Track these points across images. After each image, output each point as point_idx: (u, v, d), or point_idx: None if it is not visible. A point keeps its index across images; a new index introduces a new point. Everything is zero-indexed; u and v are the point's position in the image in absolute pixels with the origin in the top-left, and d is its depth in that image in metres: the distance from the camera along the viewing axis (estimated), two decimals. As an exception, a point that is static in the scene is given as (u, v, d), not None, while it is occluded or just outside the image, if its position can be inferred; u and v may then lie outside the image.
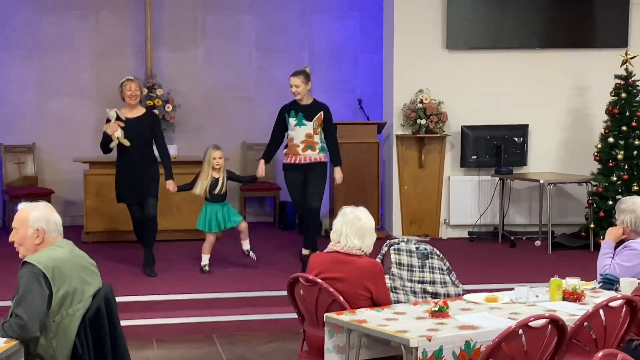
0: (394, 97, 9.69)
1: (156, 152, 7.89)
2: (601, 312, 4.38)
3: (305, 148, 7.92)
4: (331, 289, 4.66)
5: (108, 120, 7.72)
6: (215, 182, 7.82)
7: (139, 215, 7.79)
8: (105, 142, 7.72)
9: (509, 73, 9.77)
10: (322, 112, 7.95)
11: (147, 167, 7.72)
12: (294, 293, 4.94)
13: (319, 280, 4.71)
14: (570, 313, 4.51)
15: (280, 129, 8.08)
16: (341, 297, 4.64)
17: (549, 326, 4.10)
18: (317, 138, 7.93)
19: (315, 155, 7.94)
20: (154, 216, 7.75)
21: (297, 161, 7.94)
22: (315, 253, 4.96)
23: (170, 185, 7.80)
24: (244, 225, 7.96)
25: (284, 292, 5.08)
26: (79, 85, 10.48)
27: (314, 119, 7.91)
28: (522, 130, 9.65)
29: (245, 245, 8.01)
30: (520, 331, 4.00)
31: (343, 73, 11.01)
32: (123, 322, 4.35)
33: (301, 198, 7.94)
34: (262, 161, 8.07)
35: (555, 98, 9.82)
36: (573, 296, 4.78)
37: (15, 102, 10.35)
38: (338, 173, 8.06)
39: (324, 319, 4.50)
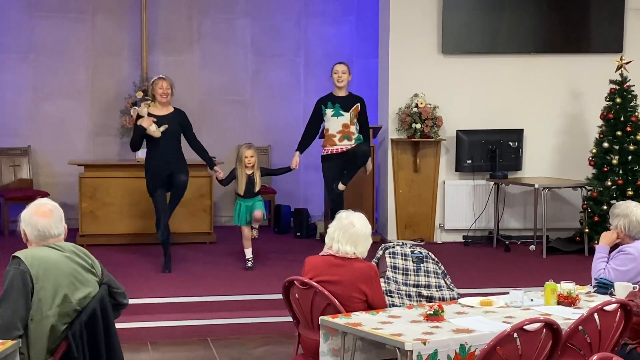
0: (389, 102, 9.70)
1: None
2: (596, 316, 4.38)
3: (342, 138, 8.13)
4: (326, 292, 4.66)
5: (138, 117, 7.91)
6: (249, 179, 8.05)
7: (163, 203, 7.95)
8: (138, 135, 7.91)
9: (504, 78, 9.79)
10: (358, 104, 8.19)
11: (177, 162, 7.94)
12: (289, 296, 4.94)
13: (314, 284, 4.71)
14: (565, 317, 4.52)
15: (316, 121, 8.29)
16: (336, 300, 4.64)
17: (544, 330, 4.11)
18: (353, 129, 8.15)
19: (352, 144, 8.15)
20: (184, 185, 7.97)
21: (336, 151, 8.15)
22: (310, 256, 4.95)
23: (218, 170, 8.10)
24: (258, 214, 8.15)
25: (279, 296, 5.08)
26: (74, 88, 10.48)
27: (351, 110, 8.14)
28: (517, 134, 9.66)
29: (250, 252, 8.24)
30: (515, 335, 4.00)
31: (338, 77, 11.01)
32: (118, 325, 4.33)
33: (336, 179, 8.10)
34: (297, 153, 8.31)
35: (550, 103, 9.84)
36: (568, 300, 4.79)
37: (10, 104, 10.34)
38: (369, 164, 8.39)
39: (319, 322, 4.50)
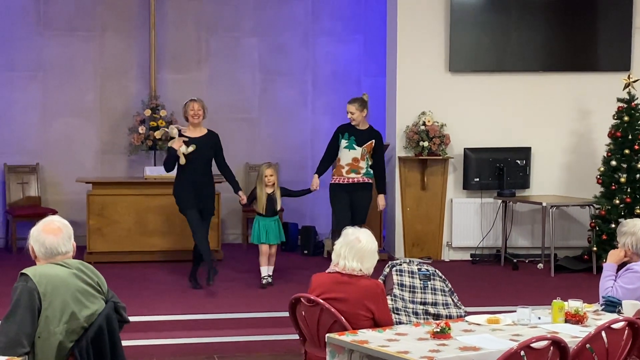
0: (396, 120, 9.72)
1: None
2: (603, 334, 4.36)
3: (350, 171, 8.17)
4: (333, 310, 4.65)
5: (171, 138, 7.99)
6: (269, 198, 8.12)
7: (198, 217, 8.00)
8: (170, 158, 7.97)
9: (511, 96, 9.79)
10: (373, 141, 8.20)
11: (207, 185, 8.03)
12: (296, 313, 4.94)
13: (321, 301, 4.70)
14: (573, 335, 4.49)
15: (334, 146, 8.31)
16: (343, 318, 4.63)
17: (551, 348, 4.09)
18: (362, 164, 8.17)
19: (360, 177, 8.18)
20: (207, 232, 8.10)
21: (343, 182, 8.18)
22: (317, 273, 4.95)
23: (242, 194, 8.18)
24: (272, 250, 8.26)
25: (286, 313, 5.08)
26: (82, 107, 10.53)
27: (364, 146, 8.15)
28: (524, 152, 9.66)
29: (265, 270, 8.26)
30: (522, 352, 3.98)
31: (346, 96, 10.97)
32: (124, 342, 4.33)
33: (345, 216, 8.11)
34: (316, 175, 8.34)
35: (558, 121, 9.83)
36: (575, 318, 4.77)
37: (19, 122, 10.39)
38: (382, 200, 8.39)
39: (326, 340, 4.49)
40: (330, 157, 8.36)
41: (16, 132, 10.37)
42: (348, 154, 8.17)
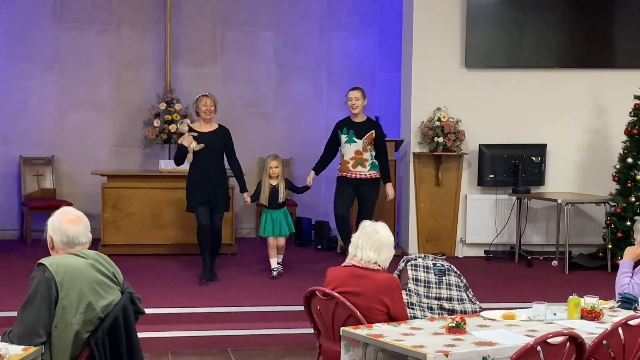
0: (411, 115, 9.70)
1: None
2: (620, 330, 4.35)
3: (355, 164, 8.15)
4: (348, 303, 4.65)
5: (181, 134, 8.05)
6: (273, 189, 8.14)
7: (207, 218, 8.00)
8: (179, 154, 8.01)
9: (527, 92, 9.76)
10: (373, 131, 8.18)
11: (218, 180, 8.03)
12: (311, 307, 4.94)
13: (336, 294, 4.70)
14: (589, 331, 4.48)
15: (333, 143, 8.34)
16: (358, 312, 4.63)
17: (568, 343, 4.08)
18: (366, 155, 8.15)
19: (366, 172, 8.16)
20: (219, 228, 8.08)
21: (349, 176, 8.17)
22: (332, 267, 4.95)
23: (247, 197, 8.19)
24: (280, 242, 8.29)
25: (300, 307, 5.08)
26: (98, 99, 10.56)
27: (364, 137, 8.13)
28: (540, 149, 9.62)
29: (275, 261, 8.29)
30: (539, 348, 3.97)
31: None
32: (139, 334, 4.34)
33: (344, 203, 8.13)
34: (312, 172, 8.35)
35: (573, 118, 9.80)
36: (591, 315, 4.75)
37: (35, 114, 10.42)
38: (390, 189, 8.38)
39: (341, 333, 4.49)
40: (329, 154, 8.38)
41: (32, 124, 10.41)
42: (350, 148, 8.16)
